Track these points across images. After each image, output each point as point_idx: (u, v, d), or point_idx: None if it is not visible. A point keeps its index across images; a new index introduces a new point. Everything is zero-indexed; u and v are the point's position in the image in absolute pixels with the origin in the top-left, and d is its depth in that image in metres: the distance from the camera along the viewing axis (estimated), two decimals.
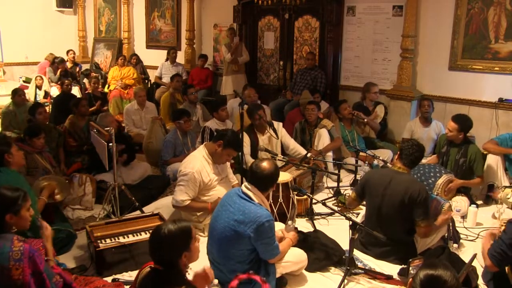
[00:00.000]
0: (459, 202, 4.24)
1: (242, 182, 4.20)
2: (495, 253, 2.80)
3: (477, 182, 4.43)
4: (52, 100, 7.50)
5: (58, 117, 6.31)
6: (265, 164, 2.95)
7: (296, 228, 3.46)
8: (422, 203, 3.24)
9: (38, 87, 7.96)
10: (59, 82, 8.08)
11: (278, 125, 5.06)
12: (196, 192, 3.67)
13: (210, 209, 3.61)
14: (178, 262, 2.18)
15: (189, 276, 2.34)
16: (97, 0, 10.69)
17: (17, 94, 6.29)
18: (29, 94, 7.75)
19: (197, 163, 3.66)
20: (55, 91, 8.02)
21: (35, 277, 2.28)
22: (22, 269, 2.23)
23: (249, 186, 2.93)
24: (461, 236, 3.78)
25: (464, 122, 4.39)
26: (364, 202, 3.75)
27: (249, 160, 4.81)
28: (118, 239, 3.32)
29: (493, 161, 4.56)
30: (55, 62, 8.91)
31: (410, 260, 2.94)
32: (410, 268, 2.93)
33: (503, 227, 3.50)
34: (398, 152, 3.51)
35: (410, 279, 1.93)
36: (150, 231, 3.40)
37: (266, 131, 4.95)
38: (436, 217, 3.40)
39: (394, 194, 3.32)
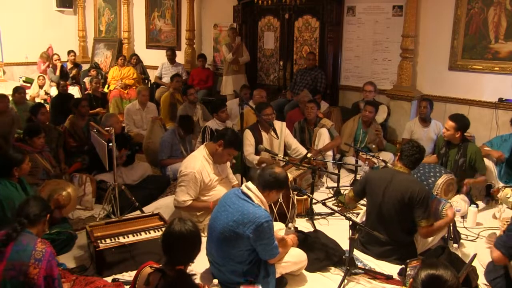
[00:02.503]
0: (459, 202, 4.24)
1: (242, 182, 4.20)
2: (508, 243, 2.79)
3: (482, 180, 4.45)
4: (50, 101, 7.52)
5: (56, 117, 6.31)
6: (277, 169, 2.98)
7: (296, 228, 3.46)
8: (421, 203, 3.24)
9: (40, 86, 7.98)
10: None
11: (281, 124, 5.06)
12: (197, 192, 3.68)
13: (212, 207, 3.60)
14: (190, 263, 2.21)
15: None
16: (97, 0, 10.69)
17: (18, 92, 6.29)
18: (33, 93, 7.80)
19: (198, 163, 3.66)
20: (54, 91, 8.03)
21: (47, 281, 2.34)
22: (39, 269, 2.30)
23: (250, 186, 2.94)
24: (461, 236, 3.78)
25: (461, 121, 4.39)
26: (364, 202, 3.75)
27: (254, 158, 4.80)
28: (118, 239, 3.32)
29: (488, 162, 4.58)
30: (52, 64, 8.92)
31: (408, 261, 2.93)
32: (408, 268, 2.92)
33: (505, 225, 3.51)
34: (399, 153, 3.51)
35: (411, 280, 1.93)
36: (150, 231, 3.42)
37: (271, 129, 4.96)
38: (436, 218, 3.41)
39: (394, 193, 3.32)
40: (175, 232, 2.20)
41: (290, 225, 3.36)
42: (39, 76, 8.11)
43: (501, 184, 4.59)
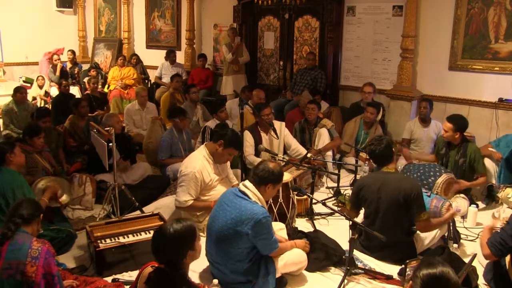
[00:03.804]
0: (459, 202, 4.24)
1: (242, 179, 4.20)
2: (495, 242, 2.83)
3: (482, 182, 4.42)
4: (51, 100, 7.51)
5: (57, 117, 6.31)
6: (270, 164, 2.99)
7: (296, 228, 3.45)
8: (415, 199, 3.25)
9: (40, 86, 7.97)
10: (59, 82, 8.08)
11: (281, 125, 5.06)
12: (198, 191, 3.68)
13: (213, 207, 3.61)
14: (184, 261, 2.19)
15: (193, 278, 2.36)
16: (97, 0, 10.70)
17: (19, 91, 6.28)
18: (33, 94, 7.79)
19: (198, 163, 3.67)
20: (55, 91, 8.03)
21: (46, 279, 2.35)
22: (37, 267, 2.32)
23: (246, 184, 2.95)
24: (461, 236, 3.78)
25: (459, 122, 4.39)
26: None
27: (254, 159, 4.80)
28: (118, 239, 3.32)
29: (489, 162, 4.57)
30: (52, 62, 8.91)
31: (407, 261, 2.93)
32: (408, 269, 2.92)
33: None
34: (370, 159, 3.52)
35: (411, 282, 1.92)
36: (150, 231, 3.42)
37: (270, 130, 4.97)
38: (435, 216, 3.40)
39: (388, 195, 3.32)
40: (158, 234, 2.22)
41: None
42: (38, 77, 8.11)
43: (501, 185, 4.59)
